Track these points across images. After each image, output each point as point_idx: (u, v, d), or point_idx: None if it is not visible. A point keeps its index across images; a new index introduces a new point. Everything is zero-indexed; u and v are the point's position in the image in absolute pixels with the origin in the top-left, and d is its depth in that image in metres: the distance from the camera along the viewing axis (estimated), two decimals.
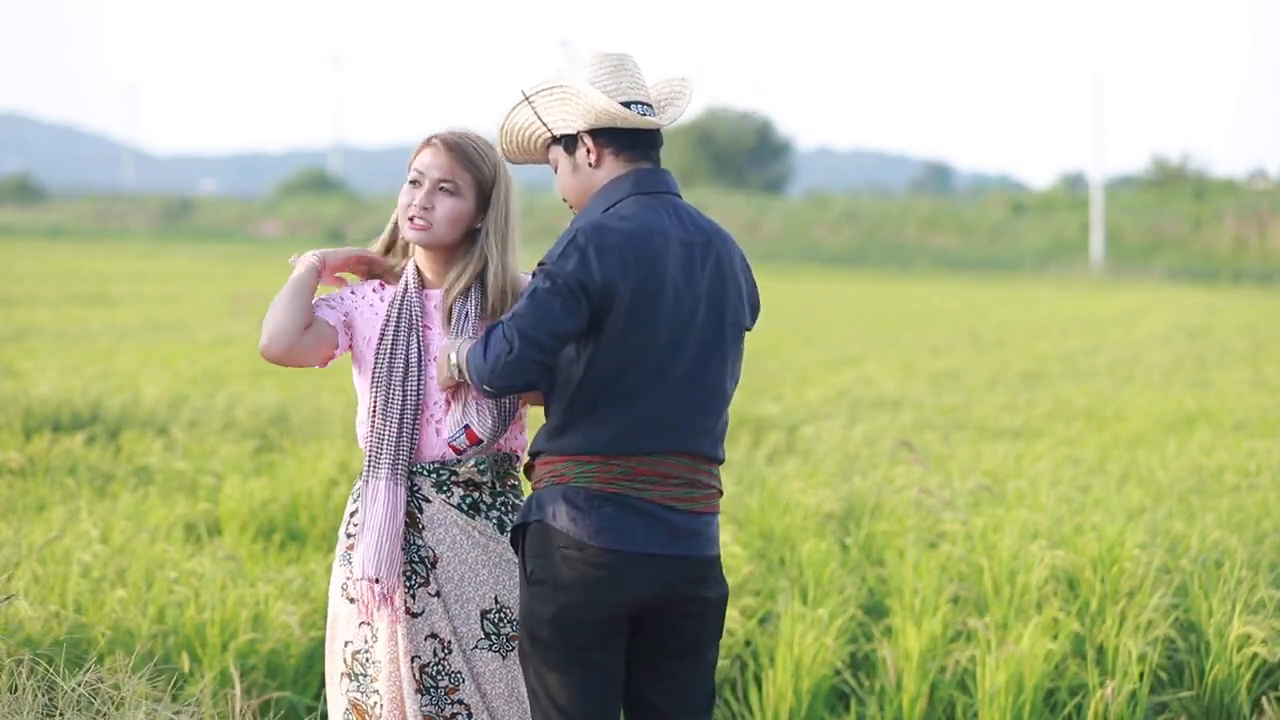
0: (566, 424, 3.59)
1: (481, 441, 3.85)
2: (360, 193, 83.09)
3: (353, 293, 4.03)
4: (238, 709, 4.93)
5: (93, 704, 4.19)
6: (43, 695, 4.26)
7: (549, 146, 3.74)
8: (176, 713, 4.26)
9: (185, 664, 5.31)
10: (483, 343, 3.60)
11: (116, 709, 4.16)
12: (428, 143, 3.96)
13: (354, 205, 70.16)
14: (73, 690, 4.20)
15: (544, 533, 3.59)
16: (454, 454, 3.88)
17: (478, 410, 3.85)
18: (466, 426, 3.84)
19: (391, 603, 3.83)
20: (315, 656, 5.73)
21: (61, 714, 4.16)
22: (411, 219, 3.91)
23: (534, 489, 3.67)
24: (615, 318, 3.53)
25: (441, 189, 3.90)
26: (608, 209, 3.62)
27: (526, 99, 3.68)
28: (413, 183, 3.94)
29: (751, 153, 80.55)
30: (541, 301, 3.52)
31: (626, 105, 3.63)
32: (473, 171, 3.91)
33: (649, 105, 3.67)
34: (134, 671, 4.65)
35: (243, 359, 15.26)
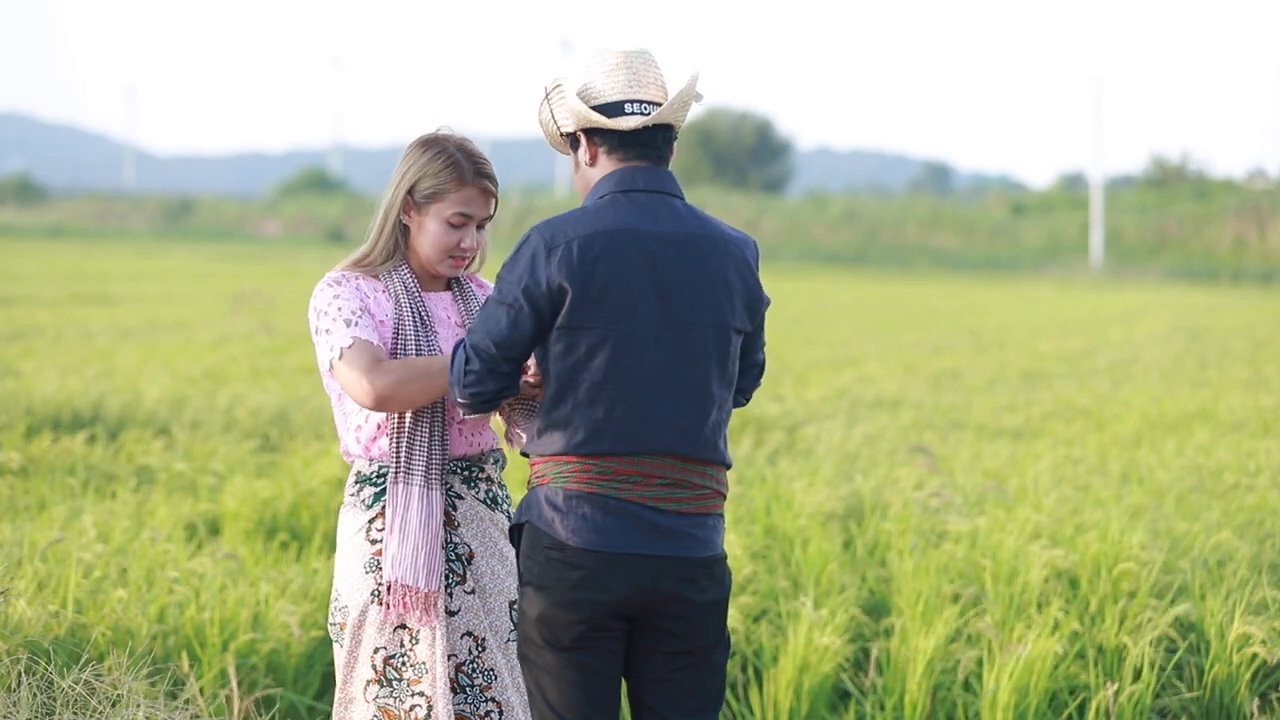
0: (546, 425, 3.59)
1: (522, 439, 3.79)
2: (360, 193, 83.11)
3: (361, 296, 3.89)
4: (235, 708, 4.94)
5: (90, 702, 4.19)
6: (41, 693, 4.26)
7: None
8: (174, 711, 4.26)
9: (185, 664, 5.31)
10: (450, 358, 3.65)
11: (113, 707, 4.17)
12: (473, 183, 3.84)
13: (354, 205, 70.14)
14: (70, 688, 4.21)
15: (532, 534, 3.59)
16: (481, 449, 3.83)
17: (526, 416, 3.80)
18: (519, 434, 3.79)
19: (435, 608, 3.79)
20: (315, 656, 5.73)
21: (59, 713, 4.16)
22: (455, 259, 3.90)
23: (528, 488, 3.67)
24: (568, 315, 3.52)
25: (480, 226, 3.92)
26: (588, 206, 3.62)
27: (547, 95, 3.69)
28: (456, 226, 3.86)
29: (751, 153, 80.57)
30: (489, 314, 3.56)
31: (621, 104, 3.61)
32: (497, 194, 3.93)
33: (654, 104, 3.62)
34: (132, 670, 4.65)
35: (243, 359, 15.24)
